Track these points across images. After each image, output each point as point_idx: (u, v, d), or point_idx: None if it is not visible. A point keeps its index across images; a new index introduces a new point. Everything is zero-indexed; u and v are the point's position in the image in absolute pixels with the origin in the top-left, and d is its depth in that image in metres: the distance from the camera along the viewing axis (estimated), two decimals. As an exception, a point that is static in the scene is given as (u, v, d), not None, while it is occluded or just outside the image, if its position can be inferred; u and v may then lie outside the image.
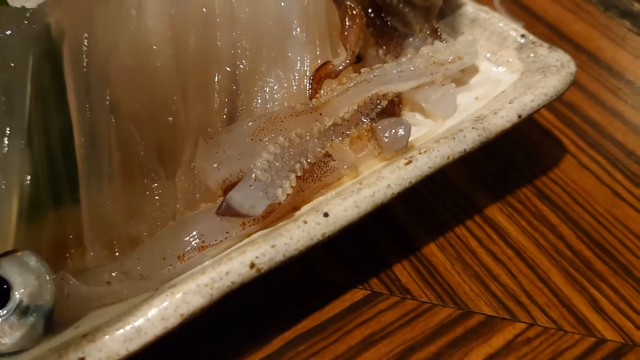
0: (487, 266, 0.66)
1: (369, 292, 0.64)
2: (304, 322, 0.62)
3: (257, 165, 0.56)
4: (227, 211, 0.55)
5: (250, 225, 0.57)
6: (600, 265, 0.66)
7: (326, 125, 0.62)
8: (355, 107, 0.64)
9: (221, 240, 0.56)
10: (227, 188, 0.59)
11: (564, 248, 0.68)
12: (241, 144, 0.59)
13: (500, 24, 0.73)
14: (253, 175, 0.55)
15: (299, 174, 0.58)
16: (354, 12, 0.70)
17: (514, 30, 0.73)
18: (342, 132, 0.62)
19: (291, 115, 0.62)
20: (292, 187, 0.57)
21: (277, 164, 0.57)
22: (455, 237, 0.69)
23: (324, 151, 0.60)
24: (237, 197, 0.55)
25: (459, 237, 0.69)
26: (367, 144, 0.65)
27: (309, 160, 0.59)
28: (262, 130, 0.60)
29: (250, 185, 0.55)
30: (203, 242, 0.55)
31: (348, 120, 0.63)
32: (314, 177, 0.61)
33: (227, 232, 0.56)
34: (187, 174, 0.61)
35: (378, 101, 0.65)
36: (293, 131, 0.60)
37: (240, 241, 0.58)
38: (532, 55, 0.70)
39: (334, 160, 0.62)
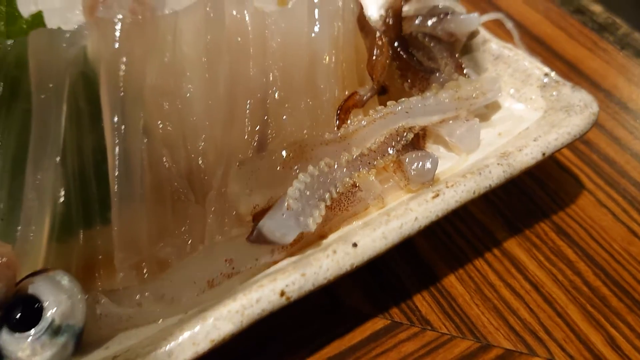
0: (506, 300, 0.67)
1: (389, 321, 0.65)
2: (325, 349, 0.63)
3: (289, 194, 0.57)
4: (258, 238, 0.56)
5: (278, 253, 0.58)
6: (617, 302, 0.67)
7: (354, 155, 0.63)
8: (382, 139, 0.65)
9: (250, 267, 0.57)
10: (257, 214, 0.60)
11: (581, 284, 0.69)
12: (273, 171, 0.61)
13: (525, 62, 0.75)
14: (285, 203, 0.56)
15: (328, 203, 0.59)
16: (381, 43, 0.72)
17: (537, 68, 0.74)
18: (369, 163, 0.64)
19: (320, 144, 0.64)
20: (321, 216, 0.58)
21: (308, 193, 0.58)
22: (474, 269, 0.70)
23: (351, 181, 0.61)
24: (269, 225, 0.56)
25: (478, 269, 0.70)
26: (393, 175, 0.66)
27: (337, 189, 0.60)
28: (292, 159, 0.62)
29: (283, 214, 0.56)
30: (233, 268, 0.56)
31: (375, 151, 0.65)
32: (342, 207, 0.62)
33: (256, 259, 0.57)
34: (218, 198, 0.62)
35: (404, 133, 0.66)
36: (322, 160, 0.61)
37: (268, 268, 0.59)
38: (555, 93, 0.72)
39: (361, 191, 0.63)
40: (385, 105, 0.69)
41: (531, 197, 0.77)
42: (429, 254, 0.71)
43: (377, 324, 0.65)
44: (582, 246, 0.72)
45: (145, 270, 0.60)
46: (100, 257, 0.61)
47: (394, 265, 0.70)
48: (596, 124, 0.82)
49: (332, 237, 0.62)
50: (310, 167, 0.60)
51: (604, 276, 0.69)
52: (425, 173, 0.63)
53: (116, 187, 0.60)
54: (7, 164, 0.60)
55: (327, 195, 0.59)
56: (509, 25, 0.86)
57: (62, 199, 0.60)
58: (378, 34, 0.71)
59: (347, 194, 0.62)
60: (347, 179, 0.61)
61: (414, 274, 0.69)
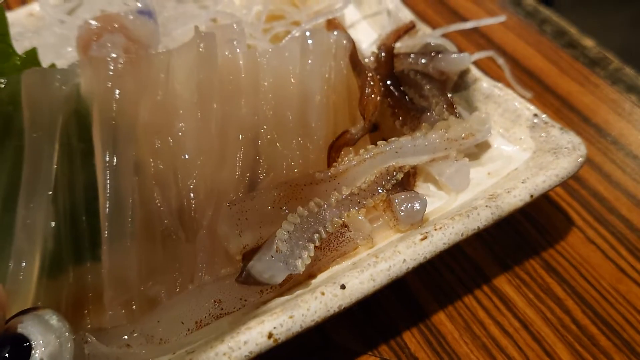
0: (495, 337, 0.68)
1: (378, 358, 0.65)
2: (313, 387, 0.63)
3: (278, 236, 0.57)
4: (247, 280, 0.56)
5: (267, 293, 0.59)
6: (605, 341, 0.67)
7: (343, 195, 0.64)
8: (372, 178, 0.66)
9: (239, 308, 0.57)
10: (246, 253, 0.60)
11: (570, 322, 0.69)
12: (263, 211, 0.61)
13: (515, 103, 0.76)
14: (274, 246, 0.56)
15: (317, 244, 0.59)
16: (373, 82, 0.72)
17: (527, 109, 0.75)
18: (359, 202, 0.64)
19: (310, 183, 0.64)
20: (310, 257, 0.58)
21: (297, 234, 0.58)
22: (464, 306, 0.70)
23: (341, 221, 0.62)
24: (258, 267, 0.56)
25: (467, 306, 0.70)
26: (383, 214, 0.66)
27: (327, 229, 0.61)
28: (282, 199, 0.62)
29: (272, 256, 0.56)
30: (221, 309, 0.57)
31: (365, 190, 0.65)
32: (331, 247, 0.62)
33: (245, 300, 0.58)
34: (207, 238, 0.62)
35: (394, 173, 0.66)
36: (312, 200, 0.62)
37: (257, 308, 0.59)
38: (544, 134, 0.72)
39: (350, 231, 0.63)
40: (376, 142, 0.69)
41: (521, 232, 0.78)
42: (419, 290, 0.71)
43: (366, 361, 0.65)
44: (571, 284, 0.73)
45: (134, 308, 0.60)
46: (90, 294, 0.61)
47: (383, 301, 0.70)
48: (586, 160, 0.83)
49: (321, 277, 0.62)
50: (300, 208, 0.60)
51: (592, 314, 0.70)
52: (414, 214, 0.64)
53: (107, 224, 0.61)
54: (-1, 201, 0.61)
55: (316, 236, 0.59)
56: (501, 61, 0.87)
57: (52, 237, 0.61)
58: (370, 74, 0.72)
59: (336, 234, 0.63)
60: (337, 219, 0.62)
61: (403, 311, 0.70)
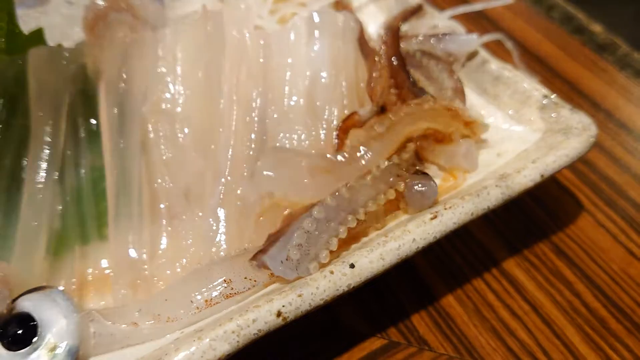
0: (504, 320, 0.67)
1: (387, 341, 0.65)
2: (321, 369, 0.63)
3: (295, 239, 0.57)
4: (260, 267, 0.56)
5: (277, 276, 0.58)
6: (615, 324, 0.67)
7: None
8: (385, 164, 0.64)
9: (249, 288, 0.57)
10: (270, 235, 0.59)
11: (580, 305, 0.68)
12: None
13: (524, 84, 0.75)
14: (286, 252, 0.56)
15: (334, 248, 0.58)
16: (380, 64, 0.72)
17: (536, 90, 0.74)
18: (376, 195, 0.62)
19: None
20: (323, 264, 0.58)
21: (311, 241, 0.57)
22: (473, 289, 0.70)
23: (357, 219, 0.60)
24: (270, 264, 0.56)
25: (476, 289, 0.70)
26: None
27: (343, 233, 0.59)
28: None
29: (286, 259, 0.56)
30: (231, 289, 0.56)
31: (378, 178, 0.63)
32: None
33: (255, 281, 0.57)
34: (215, 217, 0.62)
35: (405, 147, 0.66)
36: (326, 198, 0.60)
37: (266, 287, 0.59)
38: (553, 115, 0.72)
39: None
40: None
41: (530, 216, 0.77)
42: (428, 273, 0.71)
43: (375, 343, 0.65)
44: (581, 267, 0.72)
45: (141, 288, 0.60)
46: (96, 272, 0.61)
47: (392, 284, 0.69)
48: (596, 144, 0.83)
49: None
50: (316, 210, 0.59)
51: (602, 297, 0.69)
52: (424, 200, 0.63)
53: (113, 204, 0.60)
54: (4, 180, 0.61)
55: (333, 240, 0.58)
56: (509, 45, 0.86)
57: (59, 215, 0.61)
58: (377, 56, 0.71)
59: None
60: (356, 216, 0.60)
61: (412, 293, 0.69)
